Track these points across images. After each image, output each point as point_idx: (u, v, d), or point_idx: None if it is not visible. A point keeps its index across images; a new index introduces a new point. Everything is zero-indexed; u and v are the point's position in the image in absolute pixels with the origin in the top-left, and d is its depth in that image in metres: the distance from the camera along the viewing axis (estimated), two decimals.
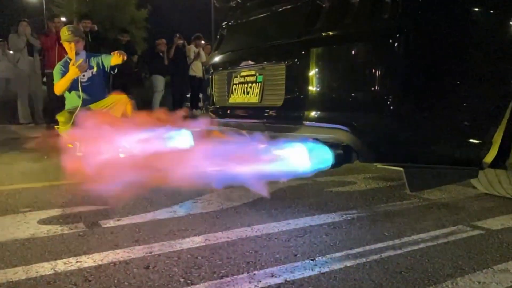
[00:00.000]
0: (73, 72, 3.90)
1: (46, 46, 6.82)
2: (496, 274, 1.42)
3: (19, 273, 1.42)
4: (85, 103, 4.00)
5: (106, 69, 4.14)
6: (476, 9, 2.00)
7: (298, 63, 2.09)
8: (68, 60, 4.05)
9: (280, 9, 2.38)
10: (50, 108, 6.93)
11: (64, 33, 4.07)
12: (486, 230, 1.87)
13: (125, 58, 4.01)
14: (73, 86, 3.99)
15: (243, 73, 2.47)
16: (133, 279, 1.37)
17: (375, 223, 1.97)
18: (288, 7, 2.33)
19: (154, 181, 2.95)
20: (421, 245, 1.69)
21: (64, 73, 3.98)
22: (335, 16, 2.02)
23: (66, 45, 4.07)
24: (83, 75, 4.01)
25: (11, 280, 1.37)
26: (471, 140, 2.00)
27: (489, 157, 1.99)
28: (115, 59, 4.03)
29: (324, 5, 2.08)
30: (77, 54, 3.98)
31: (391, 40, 1.82)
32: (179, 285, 1.33)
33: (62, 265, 1.49)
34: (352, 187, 2.72)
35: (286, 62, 2.15)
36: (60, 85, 3.98)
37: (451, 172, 2.00)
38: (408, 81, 1.86)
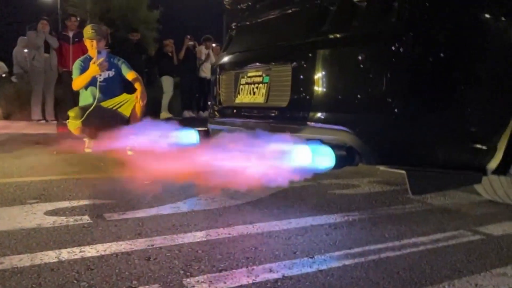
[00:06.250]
0: (93, 70, 3.96)
1: (62, 45, 6.94)
2: (494, 278, 1.43)
3: (24, 260, 1.45)
4: (99, 102, 4.06)
5: (122, 74, 4.21)
6: (484, 15, 2.01)
7: (304, 64, 2.12)
8: (89, 57, 4.11)
9: (288, 11, 2.40)
10: (61, 105, 7.04)
11: (88, 30, 4.14)
12: (487, 236, 1.87)
13: (143, 103, 4.10)
14: (90, 84, 4.05)
15: (250, 74, 2.50)
16: (134, 269, 1.40)
17: (376, 225, 1.98)
18: (296, 9, 2.36)
19: (159, 177, 2.99)
20: (421, 248, 1.69)
21: (83, 69, 4.04)
22: (342, 19, 2.04)
23: (88, 42, 4.14)
24: (100, 75, 4.06)
25: (16, 266, 1.41)
26: (475, 145, 2.00)
27: (494, 163, 1.99)
28: (130, 75, 4.13)
29: (331, 8, 2.11)
30: (98, 52, 4.04)
31: (397, 43, 1.83)
32: (179, 276, 1.36)
33: (66, 254, 1.52)
34: (356, 190, 2.73)
35: (293, 64, 2.17)
36: (78, 81, 4.05)
37: (455, 177, 2.00)
38: (412, 85, 1.87)
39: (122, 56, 4.40)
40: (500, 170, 2.02)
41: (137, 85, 4.12)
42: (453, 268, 1.50)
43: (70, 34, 7.01)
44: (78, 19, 7.57)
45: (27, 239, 1.67)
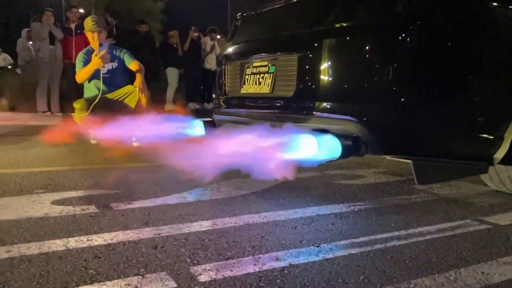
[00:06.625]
0: (95, 63, 3.95)
1: (65, 37, 6.93)
2: (500, 266, 1.43)
3: (32, 248, 1.47)
4: (103, 94, 4.06)
5: (125, 65, 4.19)
6: (492, 4, 1.98)
7: (310, 54, 2.10)
8: (91, 50, 4.10)
9: (294, 0, 2.39)
10: (66, 97, 7.04)
11: (88, 23, 4.12)
12: (494, 225, 1.87)
13: (144, 95, 4.06)
14: (93, 76, 4.04)
15: (255, 64, 2.48)
16: (141, 258, 1.41)
17: (382, 214, 1.98)
18: None
19: (166, 168, 2.99)
20: (427, 237, 1.69)
21: (86, 62, 4.03)
22: (348, 8, 2.03)
23: (89, 34, 4.12)
24: (103, 67, 4.05)
25: (24, 254, 1.42)
26: (482, 135, 1.99)
27: (500, 153, 1.98)
28: (133, 66, 4.09)
29: None
30: (100, 45, 4.02)
31: (403, 32, 1.82)
32: (186, 264, 1.37)
33: (73, 242, 1.53)
34: (362, 180, 2.73)
35: (298, 53, 2.16)
36: (82, 74, 4.04)
37: (461, 167, 1.99)
38: (419, 74, 1.86)
39: (130, 48, 4.38)
40: (507, 160, 2.01)
41: (137, 76, 4.09)
42: (459, 257, 1.50)
43: (72, 26, 6.99)
44: (81, 10, 7.54)
45: (34, 228, 1.68)
